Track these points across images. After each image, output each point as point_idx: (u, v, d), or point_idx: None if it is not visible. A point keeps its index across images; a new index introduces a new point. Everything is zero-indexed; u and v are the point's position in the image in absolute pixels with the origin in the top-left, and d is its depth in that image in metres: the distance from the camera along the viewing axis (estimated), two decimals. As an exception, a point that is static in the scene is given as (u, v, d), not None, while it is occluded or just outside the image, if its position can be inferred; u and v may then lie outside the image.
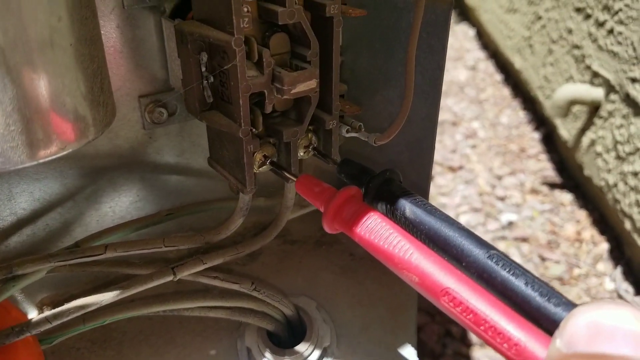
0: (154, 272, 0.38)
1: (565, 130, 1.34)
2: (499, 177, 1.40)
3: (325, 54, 0.39)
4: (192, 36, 0.36)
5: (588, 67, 1.26)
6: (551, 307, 0.25)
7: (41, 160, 0.29)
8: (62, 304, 0.37)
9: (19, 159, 0.29)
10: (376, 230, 0.31)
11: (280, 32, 0.38)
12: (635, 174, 1.02)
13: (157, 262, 0.42)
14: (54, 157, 0.30)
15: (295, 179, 0.38)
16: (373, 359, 0.43)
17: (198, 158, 0.48)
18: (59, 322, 0.35)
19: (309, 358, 0.43)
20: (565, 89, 1.25)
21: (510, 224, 1.24)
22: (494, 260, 0.28)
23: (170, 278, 0.38)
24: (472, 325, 0.26)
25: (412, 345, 0.44)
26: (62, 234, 0.44)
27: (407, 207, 0.33)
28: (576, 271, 1.07)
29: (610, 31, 1.18)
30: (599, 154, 1.17)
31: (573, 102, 1.24)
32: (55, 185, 0.42)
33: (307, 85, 0.37)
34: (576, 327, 0.21)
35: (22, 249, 0.44)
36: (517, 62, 1.71)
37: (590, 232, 1.16)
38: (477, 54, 2.04)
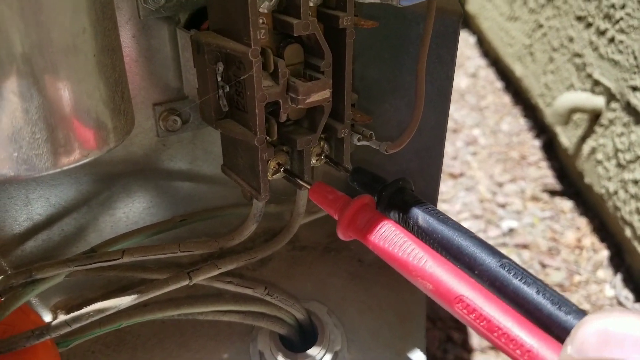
0: (170, 277, 0.38)
1: (566, 137, 1.35)
2: (500, 184, 1.41)
3: (338, 64, 0.39)
4: (209, 47, 0.37)
5: (589, 76, 1.28)
6: (562, 315, 0.26)
7: (64, 168, 0.30)
8: (76, 308, 0.38)
9: (43, 166, 0.29)
10: (390, 238, 0.32)
11: (294, 43, 0.39)
12: (635, 181, 1.03)
13: (171, 267, 0.43)
14: (77, 164, 0.31)
15: (309, 187, 0.39)
16: (383, 364, 0.44)
17: (210, 165, 0.49)
18: (77, 325, 0.35)
19: (319, 362, 0.43)
20: (566, 97, 1.26)
21: (511, 231, 1.24)
22: (506, 269, 0.29)
23: (186, 282, 0.39)
24: (485, 331, 0.27)
25: (422, 350, 0.45)
26: (77, 239, 0.45)
27: (420, 215, 0.34)
28: (576, 278, 1.08)
29: (612, 40, 1.19)
30: (599, 162, 1.18)
31: (574, 110, 1.25)
32: (71, 191, 0.43)
33: (321, 95, 0.38)
34: (587, 335, 0.22)
35: (37, 254, 0.44)
36: (518, 69, 1.72)
37: (590, 240, 1.17)
38: (477, 61, 2.05)
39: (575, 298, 1.02)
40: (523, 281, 0.28)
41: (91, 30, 0.30)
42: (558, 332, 0.26)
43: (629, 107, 1.07)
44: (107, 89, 0.31)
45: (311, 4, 0.38)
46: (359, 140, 0.42)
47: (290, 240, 0.47)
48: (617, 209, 1.10)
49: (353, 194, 0.38)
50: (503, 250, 1.27)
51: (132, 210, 0.47)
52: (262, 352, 0.44)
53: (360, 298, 0.50)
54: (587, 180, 1.23)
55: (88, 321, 0.36)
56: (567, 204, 1.29)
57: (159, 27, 0.42)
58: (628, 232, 1.05)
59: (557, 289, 1.12)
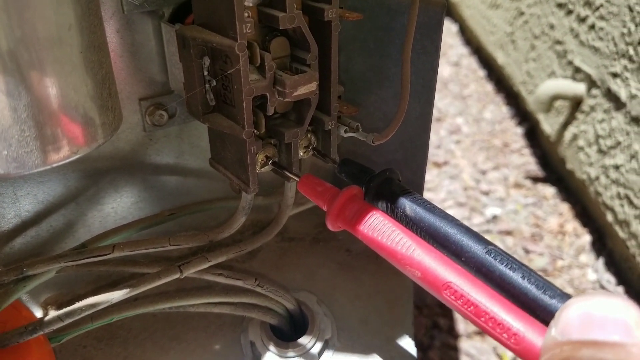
0: (161, 270, 0.39)
1: (548, 125, 1.36)
2: (483, 172, 1.42)
3: (324, 56, 0.40)
4: (195, 41, 0.37)
5: (570, 63, 1.29)
6: (547, 299, 0.27)
7: (54, 165, 0.30)
8: (66, 304, 0.38)
9: (33, 163, 0.29)
10: (379, 228, 0.33)
11: (280, 36, 0.39)
12: (616, 167, 1.05)
13: (161, 261, 0.43)
14: (66, 161, 0.31)
15: (297, 179, 0.39)
16: (372, 350, 0.45)
17: (197, 159, 0.49)
18: (70, 320, 0.36)
19: (311, 350, 0.44)
20: (548, 85, 1.28)
21: (495, 218, 1.26)
22: (492, 255, 0.30)
23: (177, 276, 0.39)
24: (473, 316, 0.28)
25: (410, 336, 0.46)
26: (65, 235, 0.45)
27: (407, 205, 0.34)
28: (559, 263, 1.09)
29: (592, 27, 1.20)
30: (581, 148, 1.20)
31: (555, 97, 1.26)
32: (59, 187, 0.43)
33: (308, 88, 0.38)
34: (570, 317, 0.23)
35: (26, 250, 0.44)
36: (500, 57, 1.73)
37: (572, 225, 1.19)
38: (460, 50, 2.06)
39: (558, 282, 1.04)
40: (509, 267, 0.29)
41: (77, 27, 0.30)
42: (543, 316, 0.27)
43: (609, 94, 1.09)
44: (95, 85, 0.32)
45: (296, -3, 0.38)
46: (345, 132, 0.43)
47: (279, 232, 0.47)
48: (598, 194, 1.12)
49: (341, 185, 0.38)
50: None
51: (120, 205, 0.47)
52: (254, 342, 0.45)
53: (348, 287, 0.51)
54: (569, 166, 1.25)
55: (80, 316, 0.36)
56: (549, 190, 1.31)
57: (143, 22, 0.42)
58: (609, 217, 1.07)
59: (541, 274, 1.14)
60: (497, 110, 1.70)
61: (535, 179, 1.37)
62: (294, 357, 0.43)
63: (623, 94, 1.03)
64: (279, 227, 0.45)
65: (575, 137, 1.24)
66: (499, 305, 0.27)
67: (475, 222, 1.25)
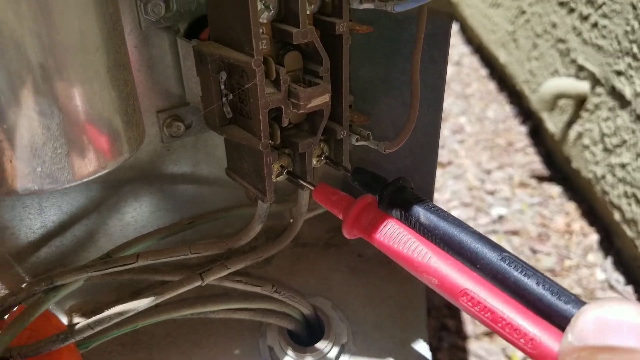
0: (183, 278, 0.40)
1: (552, 123, 1.37)
2: (488, 172, 1.43)
3: (335, 68, 0.41)
4: (212, 57, 0.39)
5: (573, 61, 1.29)
6: (562, 305, 0.28)
7: (85, 180, 0.32)
8: (90, 312, 0.39)
9: (65, 179, 0.31)
10: (394, 236, 0.34)
11: (293, 50, 0.40)
12: (623, 165, 1.06)
13: (182, 268, 0.44)
14: (95, 175, 0.32)
15: (312, 188, 0.40)
16: (387, 354, 0.46)
17: (212, 168, 0.50)
18: (100, 327, 0.37)
19: (328, 355, 0.45)
20: (551, 83, 1.28)
21: (501, 218, 1.26)
22: (507, 262, 0.31)
23: (198, 283, 0.40)
24: (490, 322, 0.29)
25: (424, 340, 0.47)
26: (88, 244, 0.46)
27: (421, 213, 0.35)
28: (567, 262, 1.10)
29: (595, 25, 1.21)
30: (586, 147, 1.20)
31: (559, 96, 1.27)
32: (82, 198, 0.45)
33: (321, 99, 0.39)
34: (586, 323, 0.24)
35: (51, 259, 0.46)
36: (502, 56, 1.74)
37: (579, 224, 1.20)
38: (461, 49, 2.07)
39: (566, 282, 1.05)
40: (523, 273, 0.30)
41: (104, 48, 0.31)
42: (558, 321, 0.28)
43: (614, 92, 1.09)
44: (121, 102, 0.33)
45: (308, 12, 0.39)
46: (357, 140, 0.44)
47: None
48: (605, 193, 1.13)
49: (352, 192, 0.39)
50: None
51: (140, 215, 0.48)
52: (272, 347, 0.46)
53: (362, 291, 0.52)
54: (575, 165, 1.26)
55: (109, 323, 0.37)
56: (555, 189, 1.32)
57: (159, 37, 0.44)
58: (617, 216, 1.08)
59: (549, 274, 1.15)
60: (500, 109, 1.70)
61: (541, 178, 1.38)
62: (311, 360, 0.45)
63: (628, 92, 1.04)
64: (293, 234, 0.46)
65: (580, 136, 1.24)
66: (515, 311, 0.28)
67: (481, 223, 1.25)
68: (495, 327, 0.29)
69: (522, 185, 1.36)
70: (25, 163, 0.29)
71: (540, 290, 0.29)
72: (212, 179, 0.51)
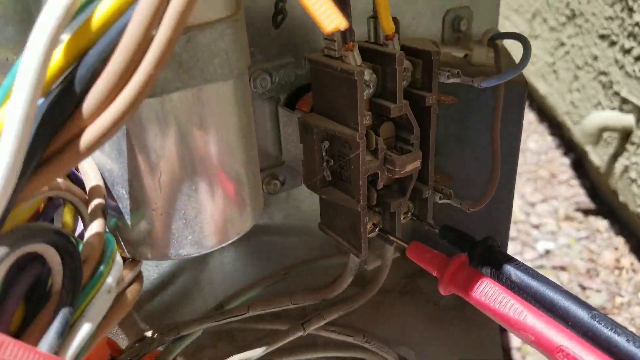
0: (289, 328, 0.44)
1: (597, 156, 1.39)
2: (532, 204, 1.44)
3: (422, 134, 0.45)
4: (318, 128, 0.43)
5: (616, 94, 1.31)
6: (654, 362, 0.32)
7: (222, 245, 0.37)
8: (190, 355, 0.43)
9: (209, 244, 0.36)
10: (490, 294, 0.38)
11: (387, 121, 0.45)
12: (671, 202, 1.08)
13: (283, 317, 0.49)
14: (231, 241, 0.37)
15: (405, 244, 0.45)
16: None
17: (300, 220, 0.55)
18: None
19: (415, 399, 0.49)
20: (595, 117, 1.31)
21: (547, 252, 1.27)
22: (597, 320, 0.35)
23: (301, 333, 0.45)
24: (586, 377, 0.33)
25: (503, 383, 0.51)
26: (194, 293, 0.51)
27: (512, 272, 0.39)
28: (618, 300, 1.10)
29: (638, 58, 1.22)
30: (633, 180, 1.22)
31: (604, 129, 1.29)
32: (191, 251, 0.50)
33: (414, 165, 0.44)
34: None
35: (162, 308, 0.51)
36: (542, 87, 1.76)
37: (629, 260, 1.20)
38: (501, 80, 2.09)
39: (618, 321, 1.05)
40: (613, 331, 0.34)
41: (250, 144, 0.37)
42: (650, 378, 0.31)
43: (659, 129, 1.12)
44: (253, 179, 0.38)
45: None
46: (440, 199, 0.48)
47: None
48: (653, 227, 1.14)
49: (429, 243, 0.43)
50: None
51: (239, 265, 0.53)
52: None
53: (440, 340, 0.55)
54: (622, 199, 1.27)
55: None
56: (602, 223, 1.33)
57: (262, 106, 0.49)
58: (666, 250, 1.09)
59: (600, 312, 1.15)
60: (542, 140, 1.72)
61: (587, 212, 1.38)
62: (400, 404, 0.49)
63: (675, 130, 1.06)
64: (379, 284, 0.50)
65: (626, 169, 1.26)
66: (609, 366, 0.32)
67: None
68: (592, 382, 0.32)
69: (568, 218, 1.37)
70: (179, 232, 0.34)
71: (631, 347, 0.33)
72: (300, 230, 0.55)
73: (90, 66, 0.25)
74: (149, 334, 0.48)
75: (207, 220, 0.34)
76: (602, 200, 1.41)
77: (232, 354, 0.44)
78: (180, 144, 0.32)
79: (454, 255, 0.41)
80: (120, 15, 0.25)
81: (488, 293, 0.38)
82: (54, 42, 0.24)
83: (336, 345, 0.48)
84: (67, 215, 0.35)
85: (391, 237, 0.46)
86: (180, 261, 0.50)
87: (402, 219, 0.48)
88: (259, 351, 0.42)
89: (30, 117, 0.23)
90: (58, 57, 0.25)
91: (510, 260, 0.40)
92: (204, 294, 0.52)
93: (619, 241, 1.26)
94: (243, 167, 0.36)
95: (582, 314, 0.35)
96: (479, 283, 0.39)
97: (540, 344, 0.35)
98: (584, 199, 1.43)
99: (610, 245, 1.26)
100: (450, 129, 0.55)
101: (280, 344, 0.44)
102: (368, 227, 0.47)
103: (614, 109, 1.30)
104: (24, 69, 0.23)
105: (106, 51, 0.25)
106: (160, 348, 0.45)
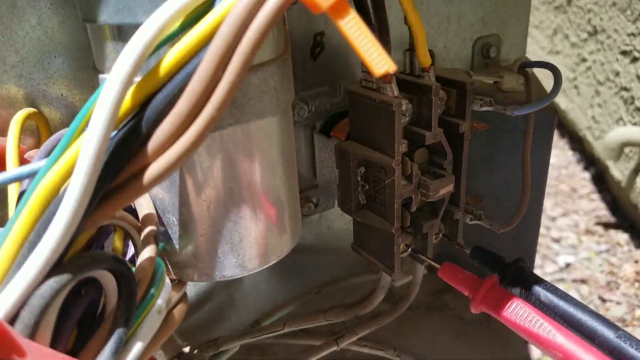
0: (323, 344, 0.47)
1: (618, 171, 1.40)
2: (553, 219, 1.45)
3: (454, 159, 0.48)
4: (355, 155, 0.46)
5: (638, 109, 1.32)
6: (679, 381, 0.33)
7: (263, 268, 0.39)
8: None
9: (251, 267, 0.38)
10: (520, 314, 0.40)
11: (421, 147, 0.47)
12: (692, 218, 1.08)
13: (314, 334, 0.51)
14: (271, 264, 0.39)
15: (438, 267, 0.47)
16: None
17: (331, 239, 0.58)
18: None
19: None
20: (617, 132, 1.32)
21: (568, 266, 1.28)
22: (622, 339, 0.37)
23: (334, 348, 0.47)
24: (613, 393, 0.35)
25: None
26: (229, 312, 0.54)
27: (541, 293, 0.41)
28: (638, 312, 1.11)
29: (659, 76, 1.23)
30: (654, 196, 1.23)
31: (625, 144, 1.30)
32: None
33: (447, 189, 0.46)
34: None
35: (198, 324, 0.53)
36: (563, 102, 1.77)
37: (649, 272, 1.21)
38: (520, 93, 2.10)
39: (638, 333, 1.07)
40: (639, 350, 0.36)
41: (292, 173, 0.39)
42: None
43: (681, 146, 1.12)
44: (292, 206, 0.40)
45: (436, 116, 0.46)
46: (470, 220, 0.50)
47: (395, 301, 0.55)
48: (674, 242, 1.15)
49: (455, 261, 0.45)
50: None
51: (273, 284, 0.56)
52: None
53: (466, 355, 0.57)
54: (643, 213, 1.28)
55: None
56: (622, 237, 1.34)
57: (298, 132, 0.51)
58: (687, 266, 1.10)
59: (619, 324, 1.16)
60: (562, 154, 1.73)
61: (607, 225, 1.39)
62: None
63: (696, 147, 1.07)
64: (409, 301, 0.53)
65: (647, 185, 1.27)
66: (636, 384, 0.34)
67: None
68: (620, 399, 0.34)
69: (588, 232, 1.38)
70: (224, 256, 0.37)
71: (657, 367, 0.35)
72: (331, 249, 0.58)
73: (157, 109, 0.27)
74: (186, 349, 0.51)
75: (250, 244, 0.37)
76: (623, 214, 1.42)
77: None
78: (228, 174, 0.34)
79: (485, 276, 0.43)
80: (189, 61, 0.27)
81: (519, 313, 0.40)
82: (128, 84, 0.26)
83: (366, 359, 0.51)
84: (117, 241, 0.37)
85: (423, 257, 0.49)
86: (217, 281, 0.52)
87: (433, 239, 0.51)
88: (297, 366, 0.45)
89: (103, 150, 0.25)
90: (127, 98, 0.27)
91: (540, 281, 0.42)
92: (239, 312, 0.54)
93: (640, 255, 1.26)
94: (285, 194, 0.39)
95: (608, 334, 0.37)
96: (509, 303, 0.41)
97: (569, 362, 0.37)
98: (604, 213, 1.44)
99: (630, 258, 1.26)
100: (480, 152, 0.57)
101: (315, 358, 0.46)
102: (401, 247, 0.49)
103: (635, 124, 1.31)
104: (99, 106, 0.25)
105: (173, 95, 0.27)
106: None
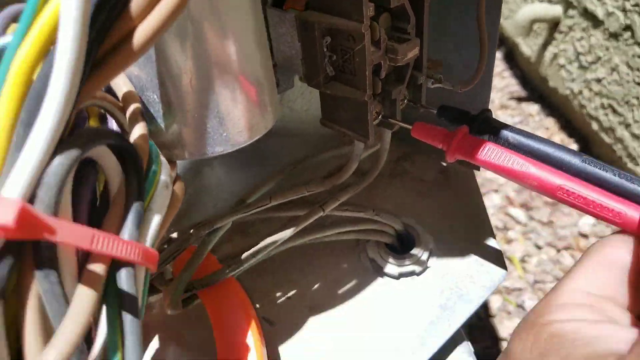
0: (309, 211, 0.49)
1: (527, 47, 1.48)
2: (471, 97, 1.53)
3: (416, 23, 0.49)
4: (319, 24, 0.46)
5: (543, -13, 1.38)
6: (638, 188, 0.39)
7: (253, 140, 0.40)
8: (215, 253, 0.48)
9: (241, 140, 0.39)
10: (494, 155, 0.44)
11: (385, 11, 0.48)
12: (598, 80, 1.18)
13: (300, 204, 0.54)
14: (259, 136, 0.40)
15: (409, 127, 0.50)
16: (467, 252, 0.57)
17: (294, 121, 0.59)
18: (260, 255, 0.46)
19: (421, 258, 0.56)
20: (526, 10, 1.38)
21: None
22: (587, 163, 0.41)
23: (320, 213, 0.50)
24: (583, 206, 0.40)
25: (492, 236, 0.58)
26: (204, 199, 0.55)
27: (509, 135, 0.45)
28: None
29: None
30: (562, 66, 1.32)
31: (534, 21, 1.37)
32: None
33: (413, 52, 0.48)
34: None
35: (178, 213, 0.54)
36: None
37: (559, 137, 1.32)
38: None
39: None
40: (603, 169, 0.41)
41: (265, 43, 0.39)
42: (636, 200, 0.39)
43: (586, 13, 1.20)
44: (270, 82, 0.41)
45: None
46: (432, 83, 0.53)
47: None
48: (582, 106, 1.25)
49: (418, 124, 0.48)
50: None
51: (243, 171, 0.57)
52: (373, 258, 0.56)
53: (432, 209, 0.62)
54: (552, 84, 1.38)
55: (266, 252, 0.47)
56: (533, 108, 1.44)
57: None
58: (595, 126, 1.21)
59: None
60: (473, 37, 1.78)
61: (519, 99, 1.49)
62: (409, 264, 0.55)
63: (600, 12, 1.15)
64: (381, 164, 0.56)
65: (555, 57, 1.36)
66: (602, 195, 0.39)
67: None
68: (588, 209, 0.39)
69: (503, 107, 1.47)
70: (214, 130, 0.37)
71: (617, 179, 0.40)
72: (294, 129, 0.59)
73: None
74: (174, 235, 0.52)
75: (238, 117, 0.37)
76: (533, 88, 1.51)
77: (248, 244, 0.48)
78: (205, 43, 0.34)
79: (456, 128, 0.47)
80: None
81: (492, 154, 0.44)
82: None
83: (349, 220, 0.54)
84: (93, 124, 0.36)
85: (394, 122, 0.51)
86: (188, 170, 0.53)
87: (399, 105, 0.53)
88: (287, 232, 0.47)
89: (87, 13, 0.23)
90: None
91: (506, 126, 0.46)
92: (215, 198, 0.55)
93: (550, 122, 1.37)
94: (262, 63, 0.39)
95: (575, 160, 0.42)
96: (482, 147, 0.44)
97: (542, 187, 0.41)
98: (516, 88, 1.53)
99: (541, 126, 1.37)
100: (430, 19, 0.59)
101: (305, 224, 0.49)
102: (373, 115, 0.51)
103: (542, 1, 1.38)
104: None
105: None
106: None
